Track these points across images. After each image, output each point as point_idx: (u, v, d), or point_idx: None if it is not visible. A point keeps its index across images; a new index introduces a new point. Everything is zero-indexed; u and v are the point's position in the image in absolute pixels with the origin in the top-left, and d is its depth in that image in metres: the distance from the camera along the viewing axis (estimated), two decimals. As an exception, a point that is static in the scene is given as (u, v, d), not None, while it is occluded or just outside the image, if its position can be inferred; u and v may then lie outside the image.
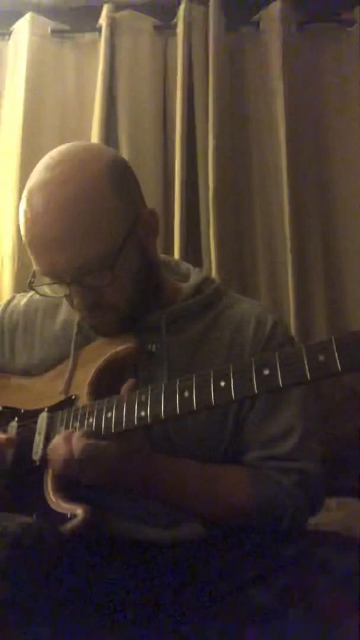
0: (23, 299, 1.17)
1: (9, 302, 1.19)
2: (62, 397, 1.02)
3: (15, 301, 1.18)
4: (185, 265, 1.16)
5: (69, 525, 0.86)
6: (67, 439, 0.89)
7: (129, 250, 0.95)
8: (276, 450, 0.98)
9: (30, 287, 1.00)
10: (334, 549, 0.83)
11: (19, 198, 1.87)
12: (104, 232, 0.92)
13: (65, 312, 1.10)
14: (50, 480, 0.94)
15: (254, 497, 0.94)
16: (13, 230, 2.04)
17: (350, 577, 0.75)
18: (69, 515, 0.88)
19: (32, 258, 0.96)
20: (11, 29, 2.21)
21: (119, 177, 0.96)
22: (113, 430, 0.88)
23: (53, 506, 0.91)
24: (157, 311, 1.02)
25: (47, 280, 0.97)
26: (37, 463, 0.96)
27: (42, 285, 1.00)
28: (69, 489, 0.93)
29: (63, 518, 0.88)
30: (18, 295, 1.20)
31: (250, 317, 1.05)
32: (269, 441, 0.99)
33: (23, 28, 2.17)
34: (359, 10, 2.10)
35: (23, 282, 1.99)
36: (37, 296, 1.14)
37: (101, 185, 0.92)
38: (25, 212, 0.94)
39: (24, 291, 1.20)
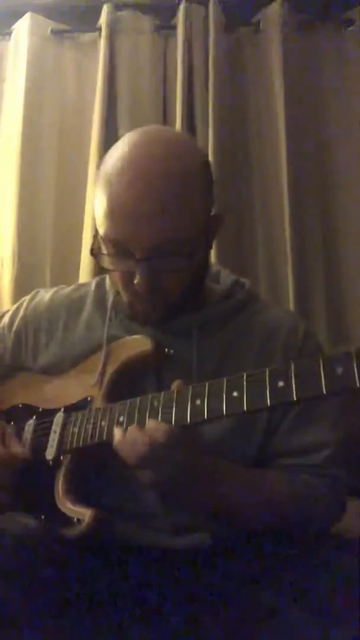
0: (47, 295, 1.15)
1: (32, 298, 1.17)
2: (80, 397, 1.01)
3: (38, 297, 1.16)
4: (216, 267, 1.14)
5: (74, 530, 0.86)
6: (142, 430, 0.84)
7: (202, 243, 0.95)
8: (308, 460, 0.97)
9: (92, 254, 0.96)
10: (334, 549, 0.83)
11: (19, 198, 1.85)
12: (192, 217, 0.91)
13: (89, 312, 1.08)
14: (61, 481, 0.93)
15: (291, 497, 0.93)
16: (13, 230, 2.02)
17: (350, 577, 0.76)
18: (75, 520, 0.87)
19: (106, 225, 0.91)
20: (11, 29, 2.21)
21: (209, 171, 0.98)
22: None
23: (61, 507, 0.90)
24: (188, 314, 1.00)
25: (112, 250, 0.92)
26: (50, 462, 0.96)
27: (105, 254, 0.94)
28: (79, 490, 0.92)
29: (70, 521, 0.87)
30: (42, 291, 1.18)
31: (281, 324, 1.03)
32: (301, 450, 0.97)
33: (23, 28, 2.17)
34: (359, 10, 2.10)
35: (23, 282, 1.99)
36: (61, 293, 1.13)
37: (198, 174, 0.94)
38: (118, 176, 0.89)
39: (24, 292, 1.19)
